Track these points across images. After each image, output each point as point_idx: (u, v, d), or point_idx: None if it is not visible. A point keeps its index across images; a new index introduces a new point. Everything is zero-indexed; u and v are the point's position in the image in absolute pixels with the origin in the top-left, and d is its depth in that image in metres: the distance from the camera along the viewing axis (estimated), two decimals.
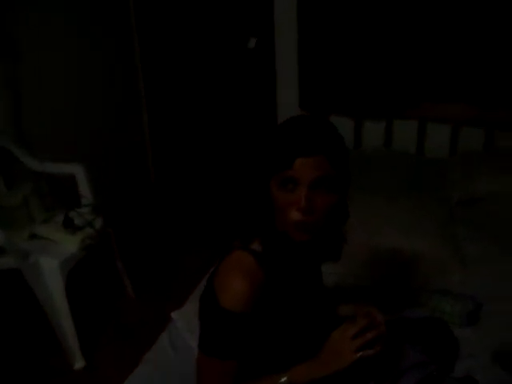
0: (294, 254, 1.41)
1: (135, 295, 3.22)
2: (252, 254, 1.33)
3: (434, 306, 2.07)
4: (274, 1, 3.35)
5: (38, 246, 2.63)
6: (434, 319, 1.97)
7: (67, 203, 2.87)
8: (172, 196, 4.24)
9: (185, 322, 2.04)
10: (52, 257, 2.56)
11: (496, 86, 3.00)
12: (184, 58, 3.83)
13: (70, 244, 2.63)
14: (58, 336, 2.69)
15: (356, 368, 1.32)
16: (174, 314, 2.13)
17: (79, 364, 2.73)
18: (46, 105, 3.17)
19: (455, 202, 2.87)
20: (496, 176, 2.85)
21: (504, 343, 1.90)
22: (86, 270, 3.07)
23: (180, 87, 3.92)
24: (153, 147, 4.18)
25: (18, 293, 2.75)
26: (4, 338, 2.84)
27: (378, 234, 2.42)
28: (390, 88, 3.17)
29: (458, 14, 2.93)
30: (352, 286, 2.22)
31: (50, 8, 3.15)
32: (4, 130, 2.94)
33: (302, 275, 1.47)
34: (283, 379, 1.33)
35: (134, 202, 3.99)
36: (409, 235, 2.40)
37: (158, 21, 3.79)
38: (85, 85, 3.51)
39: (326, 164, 1.24)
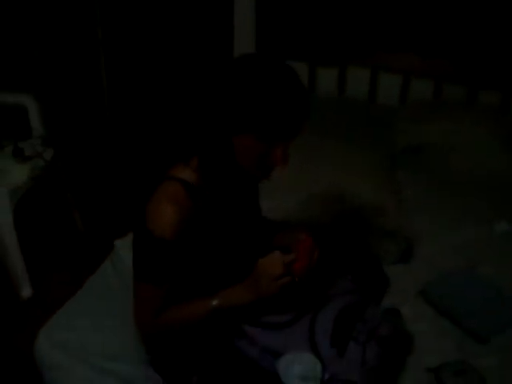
0: (235, 187, 1.47)
1: (84, 228, 3.26)
2: (181, 184, 1.38)
3: (369, 243, 2.17)
4: None
5: None
6: (367, 254, 2.06)
7: (17, 134, 2.85)
8: (126, 131, 4.21)
9: (128, 249, 2.08)
10: (1, 185, 2.56)
11: (443, 37, 3.08)
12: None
13: (19, 173, 2.63)
14: (5, 265, 2.72)
15: (283, 293, 1.40)
16: (117, 242, 2.17)
17: (26, 292, 2.77)
18: None
19: (401, 148, 2.97)
20: (441, 124, 2.95)
21: (429, 280, 2.02)
22: (35, 203, 3.09)
23: (137, 23, 3.83)
24: (108, 82, 4.12)
25: None
26: None
27: (322, 174, 2.49)
28: (344, 34, 3.20)
29: None
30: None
31: None
32: None
33: (238, 207, 1.53)
34: (214, 302, 1.40)
35: (87, 138, 3.95)
36: (351, 177, 2.47)
37: None
38: (39, 12, 3.37)
39: None
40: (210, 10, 3.65)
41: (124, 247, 2.11)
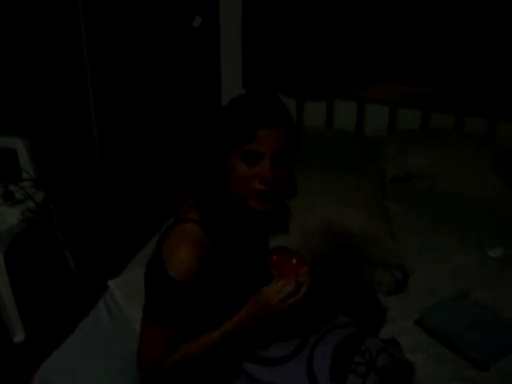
0: (243, 224, 1.47)
1: (76, 268, 3.23)
2: (199, 225, 1.38)
3: (364, 275, 2.16)
4: None
5: None
6: (362, 286, 2.06)
7: (7, 177, 2.85)
8: (116, 172, 4.22)
9: (121, 290, 2.07)
10: None
11: (427, 67, 3.14)
12: (129, 35, 3.80)
13: (10, 216, 2.63)
14: None
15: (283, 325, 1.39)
16: (110, 283, 2.15)
17: (19, 337, 2.73)
18: None
19: (390, 178, 3.00)
20: (428, 153, 2.99)
21: (425, 309, 2.01)
22: (26, 245, 3.06)
23: (125, 63, 3.90)
24: (98, 124, 4.15)
25: None
26: None
27: (314, 208, 2.50)
28: (330, 69, 3.25)
29: None
30: None
31: None
32: None
33: (249, 246, 1.53)
34: (215, 333, 1.39)
35: (78, 179, 3.95)
36: (342, 209, 2.49)
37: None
38: (28, 55, 3.41)
39: (286, 135, 1.32)
40: (196, 49, 3.70)
41: (117, 288, 2.09)
